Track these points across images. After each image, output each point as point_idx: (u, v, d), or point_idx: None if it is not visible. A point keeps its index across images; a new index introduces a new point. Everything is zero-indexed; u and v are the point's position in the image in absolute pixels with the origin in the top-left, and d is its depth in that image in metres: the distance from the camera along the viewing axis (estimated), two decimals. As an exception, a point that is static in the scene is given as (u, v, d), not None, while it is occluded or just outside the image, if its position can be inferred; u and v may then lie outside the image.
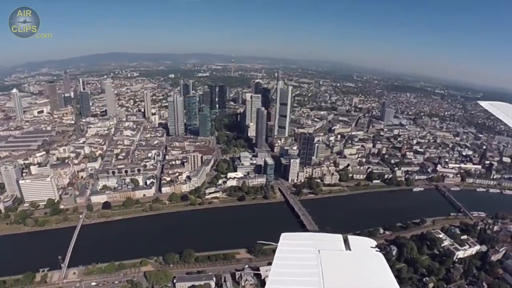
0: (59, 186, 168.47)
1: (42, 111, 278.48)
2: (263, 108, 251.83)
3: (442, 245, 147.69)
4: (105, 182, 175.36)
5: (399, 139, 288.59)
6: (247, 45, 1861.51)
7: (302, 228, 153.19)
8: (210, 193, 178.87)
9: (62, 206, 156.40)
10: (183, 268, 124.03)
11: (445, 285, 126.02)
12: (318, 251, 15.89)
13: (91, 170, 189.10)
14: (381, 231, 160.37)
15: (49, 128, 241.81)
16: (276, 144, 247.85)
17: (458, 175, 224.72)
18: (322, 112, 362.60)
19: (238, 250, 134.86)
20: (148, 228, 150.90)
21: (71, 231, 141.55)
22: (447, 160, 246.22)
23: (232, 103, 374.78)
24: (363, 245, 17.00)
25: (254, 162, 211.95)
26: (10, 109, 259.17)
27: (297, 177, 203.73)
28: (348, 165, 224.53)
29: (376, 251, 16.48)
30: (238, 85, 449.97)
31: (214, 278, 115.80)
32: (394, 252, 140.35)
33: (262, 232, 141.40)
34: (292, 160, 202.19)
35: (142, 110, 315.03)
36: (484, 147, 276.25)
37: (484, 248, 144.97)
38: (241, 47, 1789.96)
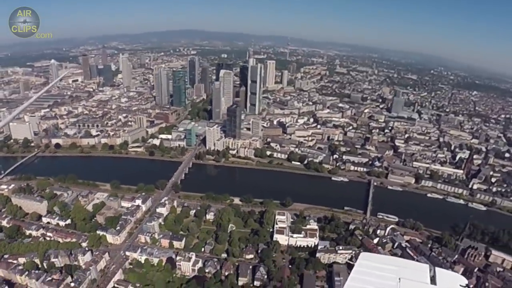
0: (40, 131, 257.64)
1: (76, 80, 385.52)
2: (217, 83, 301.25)
3: (276, 226, 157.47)
4: (68, 131, 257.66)
5: (386, 131, 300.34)
6: (330, 31, 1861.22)
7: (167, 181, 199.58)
8: (132, 146, 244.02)
9: (32, 144, 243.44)
10: (63, 186, 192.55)
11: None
12: (399, 279, 15.64)
13: (68, 123, 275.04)
14: (234, 200, 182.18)
15: (69, 93, 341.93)
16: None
17: (411, 174, 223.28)
18: (329, 98, 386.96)
19: (106, 183, 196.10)
20: (72, 162, 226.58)
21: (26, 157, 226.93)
22: (418, 157, 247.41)
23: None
24: (451, 281, 16.63)
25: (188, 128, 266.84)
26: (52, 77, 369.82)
27: (214, 145, 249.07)
28: (277, 144, 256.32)
29: None
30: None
31: (70, 192, 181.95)
32: (211, 215, 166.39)
33: (137, 177, 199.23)
34: (207, 128, 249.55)
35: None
36: (483, 151, 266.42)
37: (325, 243, 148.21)
38: (323, 33, 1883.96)
